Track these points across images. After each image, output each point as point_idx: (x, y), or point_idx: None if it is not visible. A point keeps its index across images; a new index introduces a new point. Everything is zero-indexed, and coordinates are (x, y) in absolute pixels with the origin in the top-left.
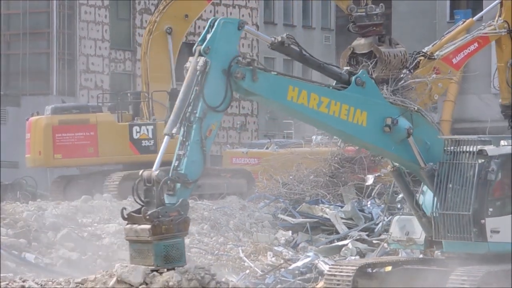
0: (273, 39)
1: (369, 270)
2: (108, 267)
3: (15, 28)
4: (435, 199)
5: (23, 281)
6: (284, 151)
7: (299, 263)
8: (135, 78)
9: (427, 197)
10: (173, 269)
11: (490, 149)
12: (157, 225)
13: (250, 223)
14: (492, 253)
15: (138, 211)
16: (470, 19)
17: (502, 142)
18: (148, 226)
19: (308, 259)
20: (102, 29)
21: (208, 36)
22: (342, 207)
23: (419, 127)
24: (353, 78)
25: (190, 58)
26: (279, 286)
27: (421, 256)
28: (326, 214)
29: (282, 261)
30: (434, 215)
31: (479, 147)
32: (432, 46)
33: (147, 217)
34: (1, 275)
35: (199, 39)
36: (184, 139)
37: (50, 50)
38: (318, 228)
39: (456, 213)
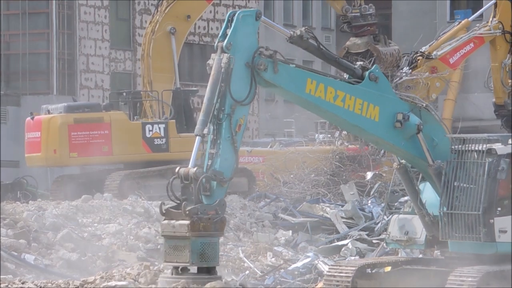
0: (292, 32)
1: (369, 270)
2: (107, 268)
3: (15, 28)
4: (442, 198)
5: (23, 283)
6: (287, 149)
7: (298, 264)
8: (135, 77)
9: (425, 195)
10: (206, 268)
11: (499, 148)
12: (196, 222)
13: (250, 222)
14: (500, 253)
15: (176, 207)
16: (466, 19)
17: (510, 141)
18: (186, 222)
19: (308, 259)
20: (102, 29)
21: (229, 31)
22: (342, 206)
23: (427, 123)
24: (366, 73)
25: (213, 55)
26: (278, 287)
27: (420, 256)
28: (327, 213)
29: (281, 262)
30: (441, 214)
31: (488, 145)
32: (430, 46)
33: (187, 212)
34: (1, 276)
35: (219, 35)
36: (215, 137)
37: (50, 50)
38: (318, 228)
39: (465, 213)
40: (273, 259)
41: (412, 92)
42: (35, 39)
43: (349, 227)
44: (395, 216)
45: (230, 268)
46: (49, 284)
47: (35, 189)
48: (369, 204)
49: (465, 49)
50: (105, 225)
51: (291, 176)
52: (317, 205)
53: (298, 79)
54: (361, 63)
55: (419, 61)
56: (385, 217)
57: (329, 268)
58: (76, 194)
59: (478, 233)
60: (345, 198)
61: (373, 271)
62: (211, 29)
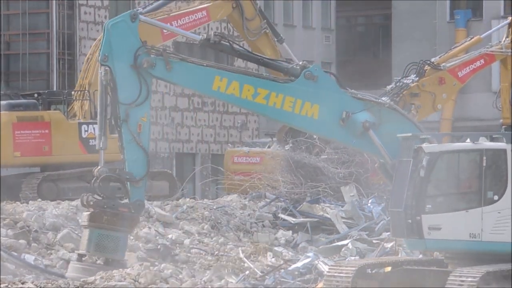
0: (201, 37)
1: (369, 270)
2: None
3: (15, 28)
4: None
5: (23, 283)
6: (285, 150)
7: (298, 264)
8: None
9: None
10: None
11: (427, 146)
12: (97, 214)
13: (250, 222)
14: (430, 250)
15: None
16: (478, 36)
17: (481, 139)
18: (88, 213)
19: (308, 259)
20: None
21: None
22: (342, 206)
23: (389, 122)
24: (302, 72)
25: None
26: (278, 287)
27: (420, 256)
28: (327, 213)
29: (282, 262)
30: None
31: (419, 144)
32: (440, 57)
33: (91, 203)
34: (1, 276)
35: (100, 49)
36: (120, 144)
37: (50, 50)
38: (318, 228)
39: (394, 210)
40: (273, 259)
41: (417, 100)
42: (35, 39)
43: (349, 227)
44: None
45: (230, 268)
46: (49, 284)
47: None
48: (369, 204)
49: (474, 65)
50: None
51: (292, 175)
52: (317, 205)
53: (200, 76)
54: (302, 62)
55: (427, 71)
56: (385, 217)
57: (329, 268)
58: None
59: (403, 229)
60: (345, 200)
61: (373, 271)
62: None
